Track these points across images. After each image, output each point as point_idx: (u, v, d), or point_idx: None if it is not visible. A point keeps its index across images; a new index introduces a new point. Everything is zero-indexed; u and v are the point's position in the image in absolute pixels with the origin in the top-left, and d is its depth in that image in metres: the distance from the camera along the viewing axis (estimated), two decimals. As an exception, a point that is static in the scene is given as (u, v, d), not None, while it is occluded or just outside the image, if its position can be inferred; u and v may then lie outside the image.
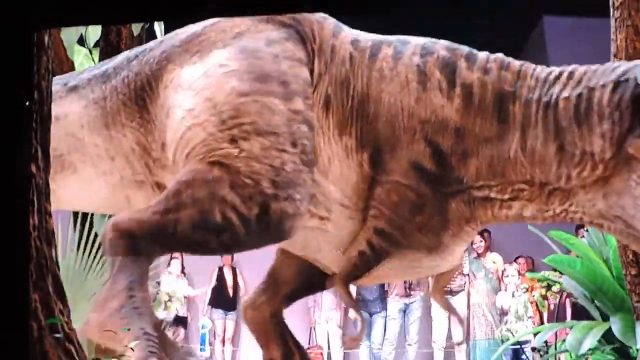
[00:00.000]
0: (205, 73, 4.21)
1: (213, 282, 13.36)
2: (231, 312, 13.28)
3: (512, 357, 10.25)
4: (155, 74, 4.37)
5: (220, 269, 13.40)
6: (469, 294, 12.34)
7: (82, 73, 4.74)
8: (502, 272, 11.15)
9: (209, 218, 4.00)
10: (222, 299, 13.23)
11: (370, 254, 4.21)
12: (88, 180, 4.55)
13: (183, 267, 13.45)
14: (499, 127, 4.07)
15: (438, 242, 4.23)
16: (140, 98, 4.41)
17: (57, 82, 4.55)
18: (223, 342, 13.32)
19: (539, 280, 6.83)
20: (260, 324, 4.79)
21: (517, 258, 12.42)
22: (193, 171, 4.08)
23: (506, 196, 4.09)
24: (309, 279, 4.72)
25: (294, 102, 4.12)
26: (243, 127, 4.07)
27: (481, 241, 12.55)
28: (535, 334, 8.24)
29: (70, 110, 4.53)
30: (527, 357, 9.88)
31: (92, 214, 5.37)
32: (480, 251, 12.50)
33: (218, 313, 13.26)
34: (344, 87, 4.23)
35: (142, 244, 4.05)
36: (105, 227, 4.15)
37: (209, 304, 13.27)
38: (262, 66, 4.16)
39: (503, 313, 10.91)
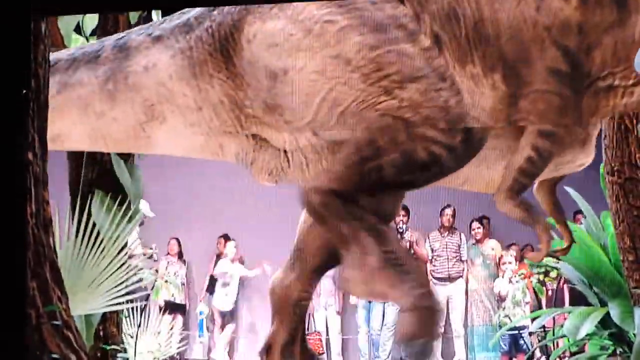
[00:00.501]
0: (309, 31, 4.21)
1: (210, 269, 13.36)
2: (228, 299, 13.28)
3: (510, 343, 10.25)
4: (237, 24, 4.36)
5: (218, 256, 13.38)
6: (467, 281, 12.34)
7: (162, 23, 4.73)
8: (499, 258, 11.13)
9: (413, 156, 4.12)
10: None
11: (537, 158, 4.26)
12: (177, 130, 4.60)
13: (181, 252, 13.44)
14: (619, 13, 4.07)
15: (587, 134, 4.37)
16: (225, 49, 4.41)
17: (140, 33, 4.64)
18: (222, 328, 13.32)
19: (537, 267, 6.83)
20: (284, 306, 4.88)
21: (510, 245, 12.38)
22: (382, 114, 4.14)
23: (630, 82, 4.10)
24: (334, 250, 4.70)
25: (420, 40, 4.12)
26: (391, 78, 4.10)
27: (479, 227, 12.53)
28: (533, 320, 8.27)
29: (159, 60, 4.55)
30: (525, 342, 9.90)
31: (90, 202, 5.37)
32: (478, 237, 12.46)
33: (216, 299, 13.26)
34: (452, 19, 4.17)
35: (347, 196, 4.21)
36: (304, 196, 4.44)
37: (207, 290, 13.26)
38: (372, 16, 4.16)
39: (500, 299, 10.89)
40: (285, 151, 4.59)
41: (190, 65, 4.49)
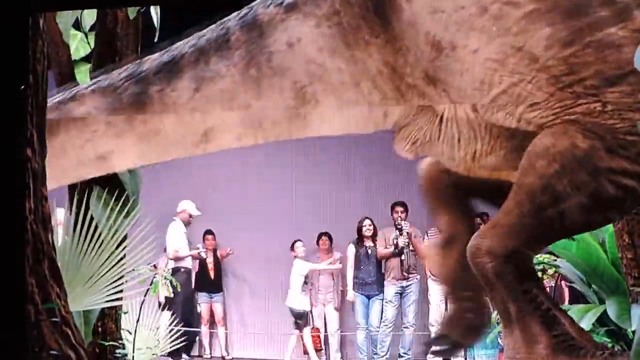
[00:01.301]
0: (485, 9, 3.72)
1: (196, 267, 13.38)
2: (217, 294, 13.24)
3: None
4: None
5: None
6: (466, 277, 12.35)
7: None
8: None
9: (602, 196, 3.64)
10: (206, 281, 13.23)
11: None
12: (332, 111, 4.24)
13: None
14: None
15: None
16: (380, 9, 3.93)
17: (266, 4, 4.19)
18: (207, 323, 13.33)
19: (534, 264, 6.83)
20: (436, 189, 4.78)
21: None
22: (554, 152, 3.66)
23: None
24: None
25: (633, 18, 3.53)
26: (586, 82, 3.62)
27: (480, 223, 12.52)
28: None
29: (302, 33, 4.08)
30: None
31: (88, 199, 5.36)
32: (479, 233, 12.49)
33: (203, 297, 13.26)
34: None
35: (523, 254, 3.84)
36: (476, 255, 3.90)
37: (194, 288, 13.27)
38: None
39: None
40: (441, 119, 4.12)
41: (340, 34, 4.02)
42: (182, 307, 11.73)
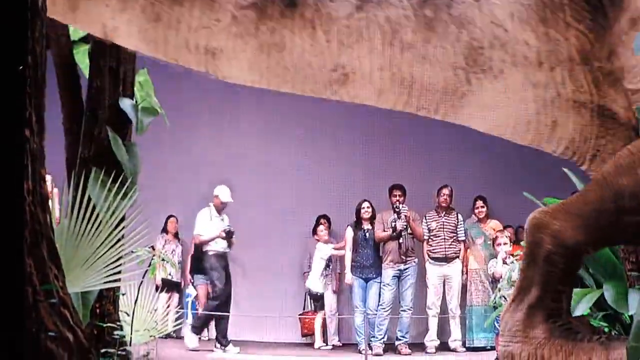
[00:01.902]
0: None
1: (192, 250, 13.41)
2: (213, 276, 13.33)
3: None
4: None
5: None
6: (466, 260, 12.37)
7: None
8: (494, 239, 11.13)
9: None
10: (202, 264, 13.25)
11: None
12: (511, 89, 3.80)
13: (177, 233, 13.49)
14: None
15: None
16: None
17: None
18: (204, 305, 13.40)
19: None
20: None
21: (505, 227, 12.41)
22: None
23: None
24: None
25: None
26: None
27: (483, 206, 12.54)
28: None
29: None
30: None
31: (87, 179, 5.36)
32: (481, 216, 12.51)
33: (199, 279, 13.29)
34: None
35: (584, 250, 3.66)
36: (539, 227, 3.69)
37: (190, 271, 13.31)
38: None
39: (495, 280, 10.94)
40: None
41: (538, 7, 3.68)
42: (219, 290, 11.77)
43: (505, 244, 10.70)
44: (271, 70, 3.89)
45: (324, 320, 12.80)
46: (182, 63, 3.86)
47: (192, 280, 13.24)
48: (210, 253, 11.80)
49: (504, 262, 10.25)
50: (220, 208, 11.93)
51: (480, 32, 3.62)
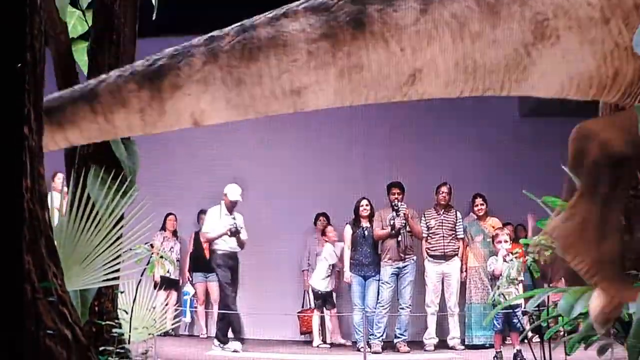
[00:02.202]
0: None
1: (191, 248, 13.43)
2: (211, 274, 13.31)
3: (503, 322, 10.28)
4: None
5: (197, 233, 13.44)
6: (465, 258, 12.38)
7: None
8: (494, 237, 11.12)
9: None
10: (201, 262, 13.27)
11: None
12: (568, 53, 3.75)
13: (176, 231, 13.51)
14: None
15: None
16: None
17: None
18: (204, 304, 13.40)
19: (532, 246, 6.83)
20: None
21: (504, 224, 12.42)
22: None
23: None
24: None
25: None
26: None
27: (482, 204, 12.54)
28: (527, 299, 8.27)
29: None
30: (519, 321, 9.92)
31: (86, 177, 5.35)
32: (480, 214, 12.51)
33: (198, 277, 13.33)
34: None
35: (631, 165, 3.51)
36: (586, 135, 3.66)
37: (189, 269, 13.34)
38: None
39: (494, 277, 10.95)
40: None
41: None
42: (225, 290, 11.77)
43: (505, 241, 10.69)
44: (354, 91, 3.94)
45: (322, 318, 12.82)
46: (272, 113, 3.95)
47: (190, 278, 13.27)
48: (219, 252, 11.80)
49: (504, 260, 10.24)
50: (230, 206, 11.90)
51: (543, 4, 3.62)
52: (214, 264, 11.82)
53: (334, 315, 12.87)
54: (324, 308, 12.73)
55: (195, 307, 13.25)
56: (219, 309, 11.76)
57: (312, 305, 12.80)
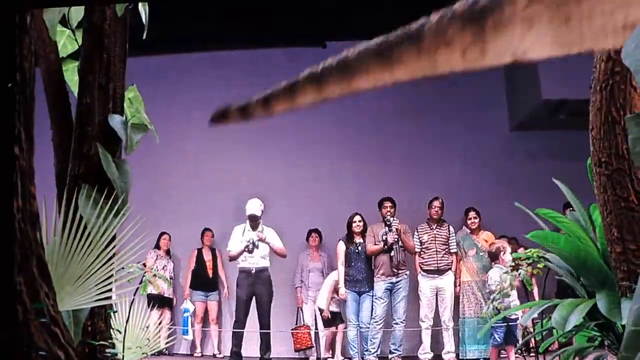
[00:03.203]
0: None
1: (192, 265, 13.40)
2: (212, 293, 13.31)
3: (500, 335, 10.26)
4: None
5: (199, 250, 13.43)
6: (458, 272, 12.37)
7: None
8: (499, 249, 11.04)
9: None
10: (202, 280, 13.26)
11: None
12: None
13: (169, 250, 13.48)
14: None
15: None
16: None
17: None
18: (202, 322, 13.38)
19: (524, 259, 6.85)
20: None
21: (499, 237, 12.44)
22: None
23: None
24: None
25: None
26: None
27: (476, 218, 12.55)
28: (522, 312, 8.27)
29: None
30: (514, 335, 9.93)
31: (77, 196, 5.34)
32: (474, 227, 12.51)
33: (198, 295, 13.30)
34: None
35: None
36: None
37: (190, 286, 13.31)
38: None
39: (491, 291, 10.95)
40: None
41: None
42: (237, 307, 11.75)
43: (510, 253, 10.56)
44: None
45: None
46: (598, 49, 3.80)
47: (189, 294, 13.24)
48: (238, 268, 11.85)
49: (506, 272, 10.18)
50: (252, 223, 11.87)
51: None
52: (236, 281, 11.88)
53: (341, 331, 12.87)
54: (334, 326, 12.76)
55: (193, 326, 13.22)
56: (233, 328, 11.74)
57: (325, 325, 12.81)
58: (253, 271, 11.55)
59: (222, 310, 13.53)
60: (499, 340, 10.28)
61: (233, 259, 11.96)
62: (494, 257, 10.77)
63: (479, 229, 12.55)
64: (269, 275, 11.73)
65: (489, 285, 11.37)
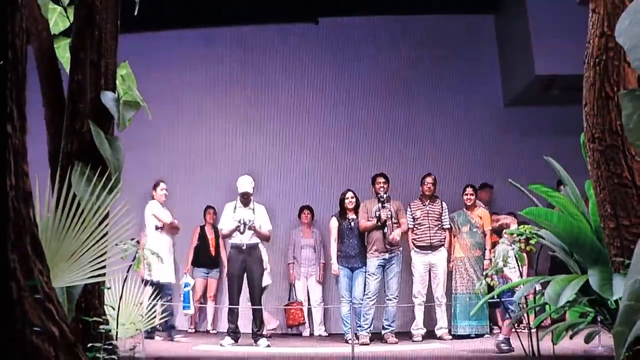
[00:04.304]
0: None
1: (195, 241, 13.39)
2: (214, 270, 13.34)
3: (494, 310, 10.28)
4: None
5: (202, 228, 13.43)
6: (451, 248, 12.39)
7: None
8: (505, 225, 11.01)
9: None
10: (204, 257, 13.27)
11: None
12: None
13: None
14: None
15: None
16: None
17: None
18: (200, 299, 13.40)
19: (517, 235, 6.87)
20: None
21: (492, 214, 12.47)
22: None
23: None
24: None
25: None
26: None
27: (472, 194, 12.55)
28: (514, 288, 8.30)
29: None
30: (509, 310, 9.94)
31: (70, 174, 5.33)
32: (469, 204, 12.52)
33: (199, 272, 13.31)
34: None
35: None
36: None
37: (191, 263, 13.31)
38: None
39: (485, 267, 11.00)
40: None
41: None
42: (229, 284, 11.76)
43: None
44: None
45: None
46: None
47: (190, 270, 13.23)
48: (229, 244, 11.87)
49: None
50: (243, 200, 11.84)
51: None
52: (227, 258, 11.89)
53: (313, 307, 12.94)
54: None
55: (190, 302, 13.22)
56: (229, 304, 11.76)
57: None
58: (244, 247, 11.55)
59: (221, 288, 13.53)
60: (511, 314, 10.05)
61: (225, 236, 11.99)
62: (499, 233, 10.72)
63: (474, 205, 12.56)
64: (260, 252, 11.74)
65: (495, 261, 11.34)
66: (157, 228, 12.27)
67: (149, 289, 10.19)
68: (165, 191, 12.60)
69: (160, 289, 12.03)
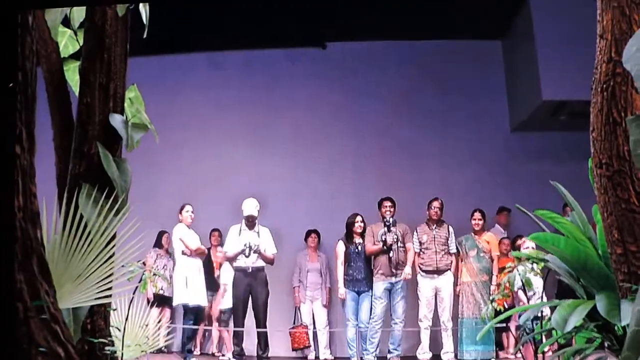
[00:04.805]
0: None
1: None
2: (217, 292, 13.34)
3: (501, 335, 10.24)
4: None
5: (208, 250, 13.43)
6: (458, 272, 12.37)
7: None
8: (519, 245, 10.96)
9: None
10: (210, 279, 13.26)
11: None
12: None
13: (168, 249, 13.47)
14: None
15: None
16: None
17: None
18: (205, 321, 13.38)
19: (525, 259, 6.85)
20: None
21: (501, 240, 12.47)
22: None
23: None
24: None
25: None
26: None
27: (480, 219, 12.54)
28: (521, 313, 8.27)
29: None
30: (513, 335, 9.91)
31: (77, 195, 5.35)
32: (477, 229, 12.51)
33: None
34: None
35: None
36: None
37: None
38: None
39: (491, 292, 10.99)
40: None
41: None
42: (234, 307, 11.77)
43: (529, 248, 10.25)
44: None
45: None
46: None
47: None
48: (235, 267, 11.85)
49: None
50: (249, 223, 11.86)
51: None
52: (233, 282, 11.89)
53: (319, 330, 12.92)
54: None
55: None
56: (234, 327, 11.76)
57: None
58: (249, 270, 11.56)
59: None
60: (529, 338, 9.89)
61: (229, 259, 11.99)
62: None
63: (482, 230, 12.55)
64: (265, 275, 11.75)
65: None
66: (183, 253, 12.32)
67: (155, 311, 10.21)
68: (192, 213, 12.63)
69: (188, 312, 12.06)
